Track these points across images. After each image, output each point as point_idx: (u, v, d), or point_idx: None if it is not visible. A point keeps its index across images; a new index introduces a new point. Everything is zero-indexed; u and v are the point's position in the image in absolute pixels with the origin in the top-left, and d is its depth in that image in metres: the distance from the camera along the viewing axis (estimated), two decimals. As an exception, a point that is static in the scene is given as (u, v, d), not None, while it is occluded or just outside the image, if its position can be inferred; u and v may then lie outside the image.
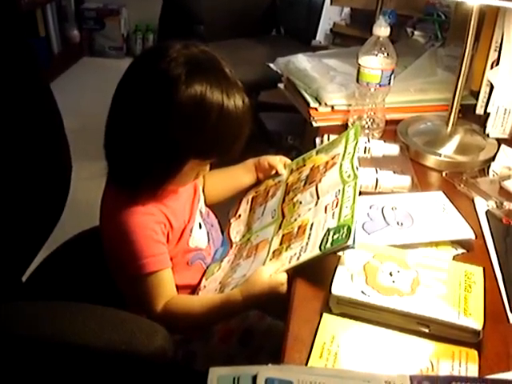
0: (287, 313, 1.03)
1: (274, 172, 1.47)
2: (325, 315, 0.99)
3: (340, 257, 1.08)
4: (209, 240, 1.36)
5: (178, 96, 1.08)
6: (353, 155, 1.29)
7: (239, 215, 1.47)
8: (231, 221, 1.46)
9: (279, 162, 1.46)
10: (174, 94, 1.08)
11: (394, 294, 0.99)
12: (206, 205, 1.42)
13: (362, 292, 0.99)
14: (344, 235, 1.07)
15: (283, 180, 1.44)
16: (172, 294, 1.19)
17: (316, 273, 1.10)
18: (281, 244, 1.23)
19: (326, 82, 1.65)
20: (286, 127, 3.38)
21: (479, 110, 1.62)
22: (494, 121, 1.55)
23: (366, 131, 1.55)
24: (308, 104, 1.63)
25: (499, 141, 1.54)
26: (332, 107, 1.61)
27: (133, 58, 1.21)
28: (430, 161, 1.48)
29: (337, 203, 1.19)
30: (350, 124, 1.59)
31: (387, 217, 1.23)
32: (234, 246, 1.38)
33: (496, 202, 1.35)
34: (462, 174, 1.43)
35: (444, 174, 1.44)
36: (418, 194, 1.34)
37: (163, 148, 1.11)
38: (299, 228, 1.23)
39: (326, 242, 1.09)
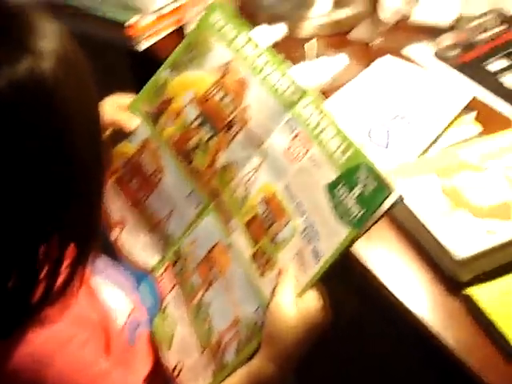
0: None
1: (109, 131, 0.89)
2: (471, 292, 0.71)
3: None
4: (122, 289, 0.80)
5: None
6: (270, 55, 0.80)
7: (121, 221, 0.90)
8: (115, 234, 0.89)
9: (118, 111, 0.89)
10: None
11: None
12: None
13: (488, 232, 0.74)
14: (375, 183, 0.65)
15: (151, 137, 0.88)
16: None
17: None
18: (256, 241, 0.74)
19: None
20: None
21: None
22: None
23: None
24: (122, 23, 1.07)
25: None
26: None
27: None
28: (307, 29, 1.11)
29: (305, 140, 0.73)
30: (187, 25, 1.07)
31: (380, 115, 0.94)
32: (158, 274, 0.84)
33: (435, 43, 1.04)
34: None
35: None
36: (370, 72, 1.02)
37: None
38: (267, 203, 0.75)
39: (347, 208, 0.66)
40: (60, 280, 0.59)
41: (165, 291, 0.82)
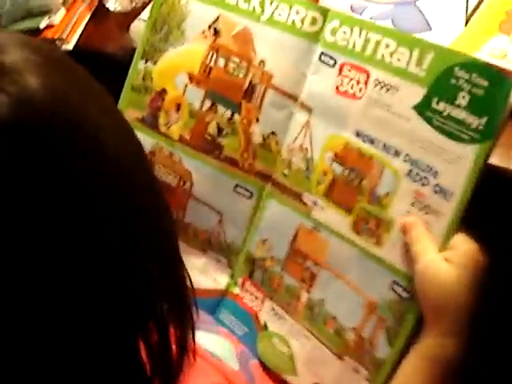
0: None
1: None
2: None
3: None
4: (211, 331, 0.65)
5: None
6: None
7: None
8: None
9: None
10: None
11: None
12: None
13: None
14: (484, 80, 0.52)
15: (156, 145, 0.71)
16: None
17: None
18: (349, 208, 0.60)
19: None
20: None
21: None
22: None
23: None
24: (37, 30, 0.90)
25: None
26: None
27: None
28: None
29: (356, 68, 0.59)
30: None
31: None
32: (235, 292, 0.69)
33: None
34: None
35: None
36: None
37: None
38: (343, 159, 0.61)
39: (461, 123, 0.53)
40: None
41: (254, 309, 0.67)
